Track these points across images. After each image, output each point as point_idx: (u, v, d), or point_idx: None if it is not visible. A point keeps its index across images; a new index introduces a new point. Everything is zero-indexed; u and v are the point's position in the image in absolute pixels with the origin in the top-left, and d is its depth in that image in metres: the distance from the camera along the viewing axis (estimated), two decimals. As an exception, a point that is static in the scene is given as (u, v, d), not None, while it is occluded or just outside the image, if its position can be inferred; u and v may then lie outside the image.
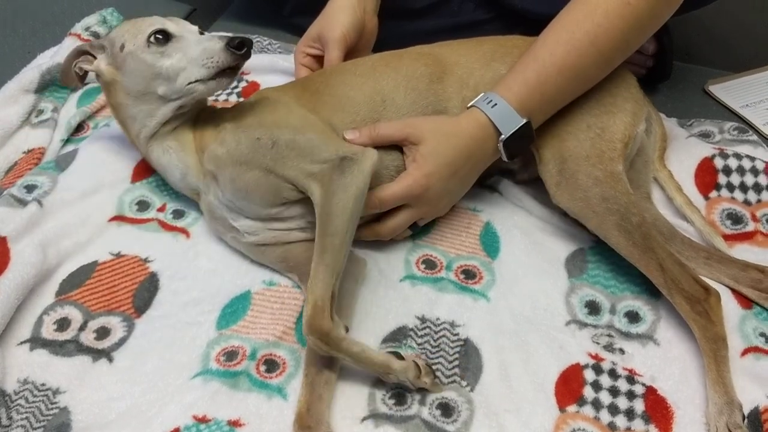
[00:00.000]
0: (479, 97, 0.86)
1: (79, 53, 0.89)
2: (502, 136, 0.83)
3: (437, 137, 0.84)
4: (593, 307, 0.84)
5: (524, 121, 0.83)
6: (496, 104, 0.83)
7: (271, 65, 1.17)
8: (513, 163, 0.94)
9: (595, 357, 0.79)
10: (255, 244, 0.86)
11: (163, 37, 0.83)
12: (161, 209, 0.96)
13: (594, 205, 0.82)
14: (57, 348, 0.79)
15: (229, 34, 0.85)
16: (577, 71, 0.84)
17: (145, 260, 0.89)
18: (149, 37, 0.83)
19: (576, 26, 0.83)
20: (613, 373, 0.77)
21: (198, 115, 0.89)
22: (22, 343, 0.80)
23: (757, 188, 0.93)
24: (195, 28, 0.87)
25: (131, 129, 0.89)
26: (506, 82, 0.85)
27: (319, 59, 1.04)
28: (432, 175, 0.83)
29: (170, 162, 0.88)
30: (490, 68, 0.92)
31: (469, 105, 0.86)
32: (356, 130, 0.85)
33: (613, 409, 0.74)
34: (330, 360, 0.75)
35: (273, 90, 0.94)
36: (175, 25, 0.85)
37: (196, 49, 0.82)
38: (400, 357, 0.74)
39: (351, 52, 1.01)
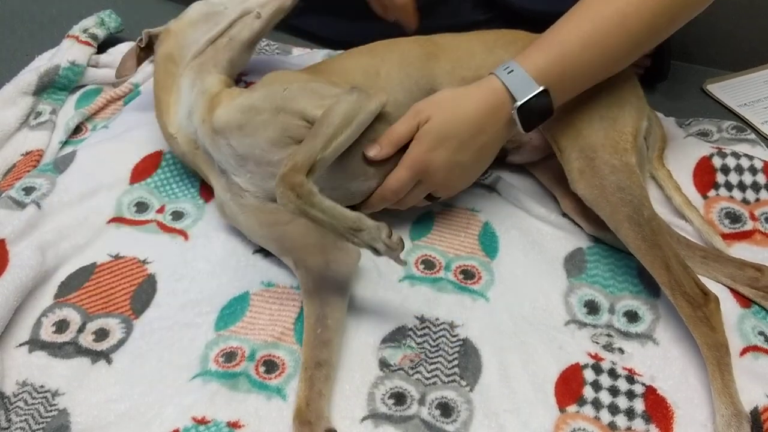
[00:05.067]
0: (498, 67, 0.82)
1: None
2: (517, 103, 0.79)
3: (443, 111, 0.81)
4: (592, 307, 0.84)
5: (541, 88, 0.79)
6: (512, 71, 0.80)
7: (269, 66, 1.17)
8: (513, 142, 0.94)
9: (595, 357, 0.79)
10: (255, 212, 0.87)
11: None
12: (160, 211, 0.96)
13: (609, 194, 0.82)
14: (56, 350, 0.79)
15: None
16: (603, 49, 0.81)
17: (144, 262, 0.89)
18: None
19: (605, 4, 0.80)
20: (612, 373, 0.77)
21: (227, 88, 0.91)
22: (20, 345, 0.80)
23: (756, 187, 0.93)
24: None
25: (180, 59, 0.93)
26: (526, 52, 0.82)
27: None
28: (433, 150, 0.81)
29: (187, 97, 0.91)
30: (492, 54, 0.92)
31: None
32: (375, 144, 0.83)
33: (614, 409, 0.74)
34: (329, 354, 0.76)
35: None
36: None
37: None
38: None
39: None
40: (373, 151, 0.83)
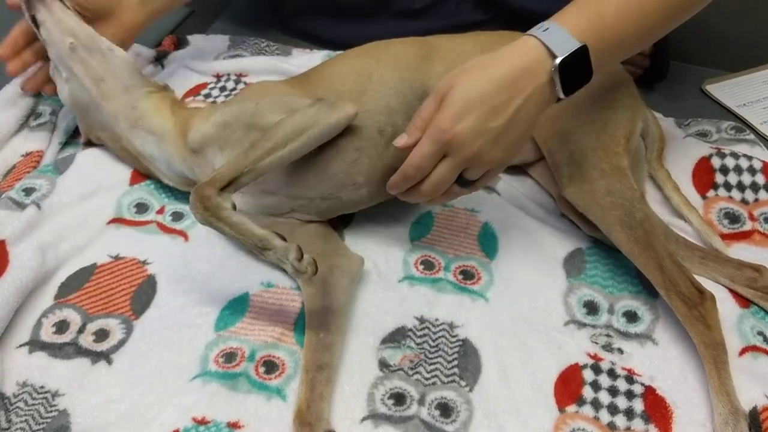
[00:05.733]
0: (531, 29, 0.74)
1: None
2: (557, 59, 0.70)
3: (470, 75, 0.72)
4: (591, 307, 0.84)
5: (581, 44, 0.71)
6: (547, 29, 0.72)
7: (269, 67, 1.17)
8: None
9: (594, 357, 0.79)
10: None
11: None
12: (160, 211, 0.96)
13: (599, 198, 0.82)
14: (56, 350, 0.79)
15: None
16: (639, 16, 0.74)
17: (144, 262, 0.89)
18: None
19: None
20: (612, 373, 0.77)
21: (178, 108, 0.93)
22: (21, 345, 0.80)
23: (755, 187, 0.93)
24: None
25: (114, 133, 0.95)
26: (561, 12, 0.74)
27: None
28: (460, 117, 0.70)
29: (152, 152, 0.92)
30: None
31: None
32: (403, 134, 0.75)
33: (613, 409, 0.74)
34: (330, 357, 0.76)
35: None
36: None
37: None
38: (283, 239, 0.73)
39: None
40: (401, 141, 0.75)
